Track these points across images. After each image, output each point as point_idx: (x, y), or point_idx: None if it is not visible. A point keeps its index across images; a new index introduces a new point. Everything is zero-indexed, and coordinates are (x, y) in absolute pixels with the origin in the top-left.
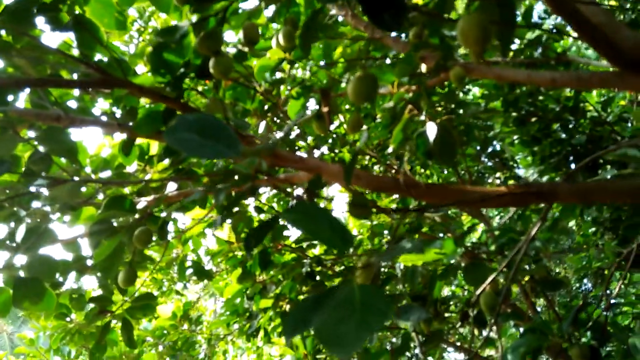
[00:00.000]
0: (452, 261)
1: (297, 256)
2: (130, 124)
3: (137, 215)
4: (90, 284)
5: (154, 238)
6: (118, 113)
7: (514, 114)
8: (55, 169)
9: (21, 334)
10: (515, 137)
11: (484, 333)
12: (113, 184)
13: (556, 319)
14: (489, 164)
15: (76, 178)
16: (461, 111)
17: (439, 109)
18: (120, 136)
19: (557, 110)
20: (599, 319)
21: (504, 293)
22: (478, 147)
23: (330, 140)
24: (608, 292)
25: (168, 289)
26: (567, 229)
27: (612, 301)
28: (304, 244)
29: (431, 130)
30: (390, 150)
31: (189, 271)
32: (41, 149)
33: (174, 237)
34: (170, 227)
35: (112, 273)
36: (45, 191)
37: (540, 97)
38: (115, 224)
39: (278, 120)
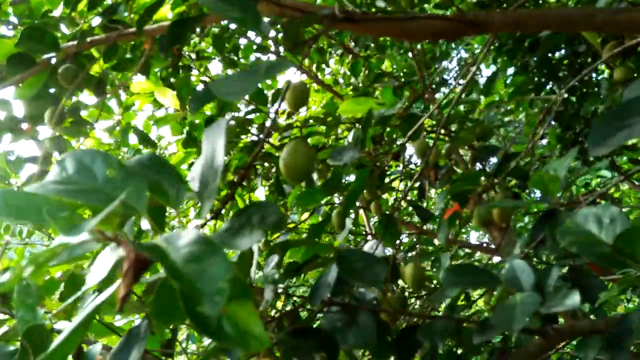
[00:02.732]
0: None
1: (242, 121)
2: None
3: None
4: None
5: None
6: None
7: None
8: None
9: None
10: None
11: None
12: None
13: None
14: None
15: None
16: None
17: None
18: None
19: None
20: (522, 167)
21: (435, 146)
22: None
23: None
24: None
25: None
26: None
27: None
28: (252, 116)
29: None
30: None
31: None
32: None
33: (111, 97)
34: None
35: (41, 120)
36: None
37: None
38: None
39: None
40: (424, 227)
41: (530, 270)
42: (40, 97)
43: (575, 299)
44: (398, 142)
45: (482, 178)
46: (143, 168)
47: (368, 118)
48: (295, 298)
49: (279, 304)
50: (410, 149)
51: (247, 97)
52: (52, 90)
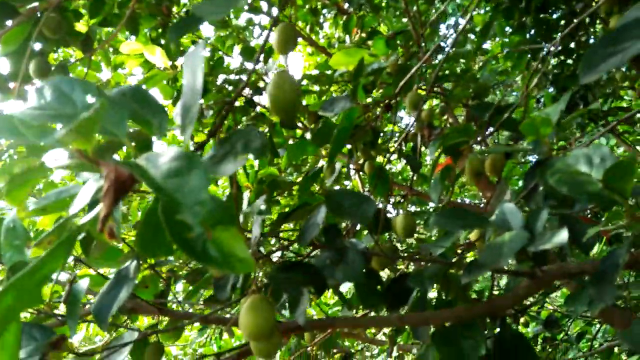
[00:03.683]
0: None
1: (235, 83)
2: None
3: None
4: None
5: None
6: None
7: None
8: None
9: None
10: None
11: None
12: None
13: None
14: None
15: None
16: None
17: None
18: None
19: None
20: (515, 118)
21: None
22: None
23: None
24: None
25: None
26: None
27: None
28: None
29: None
30: None
31: None
32: None
33: (98, 50)
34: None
35: (27, 78)
36: None
37: None
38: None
39: None
40: (420, 190)
41: (520, 212)
42: (24, 51)
43: (563, 236)
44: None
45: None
46: (124, 97)
47: (359, 67)
48: (284, 242)
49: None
50: (407, 121)
51: (239, 59)
52: (37, 47)
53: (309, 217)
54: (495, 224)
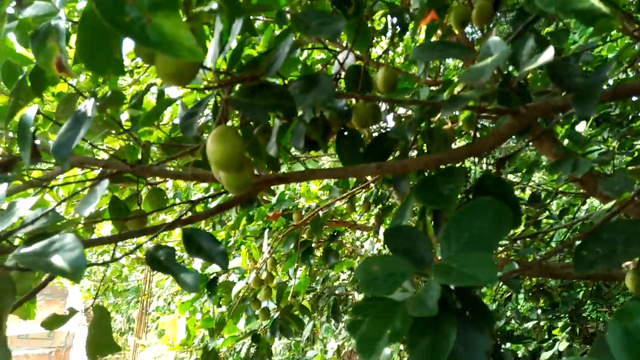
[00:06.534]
0: None
1: None
2: None
3: None
4: None
5: None
6: None
7: None
8: None
9: None
10: None
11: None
12: None
13: None
14: None
15: None
16: None
17: None
18: None
19: None
20: None
21: None
22: None
23: None
24: None
25: None
26: None
27: None
28: None
29: None
30: None
31: None
32: None
33: None
34: None
35: None
36: None
37: None
38: None
39: None
40: (411, 72)
41: (505, 43)
42: None
43: (549, 53)
44: None
45: None
46: None
47: None
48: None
49: None
50: None
51: None
52: None
53: (276, 48)
54: (480, 57)
